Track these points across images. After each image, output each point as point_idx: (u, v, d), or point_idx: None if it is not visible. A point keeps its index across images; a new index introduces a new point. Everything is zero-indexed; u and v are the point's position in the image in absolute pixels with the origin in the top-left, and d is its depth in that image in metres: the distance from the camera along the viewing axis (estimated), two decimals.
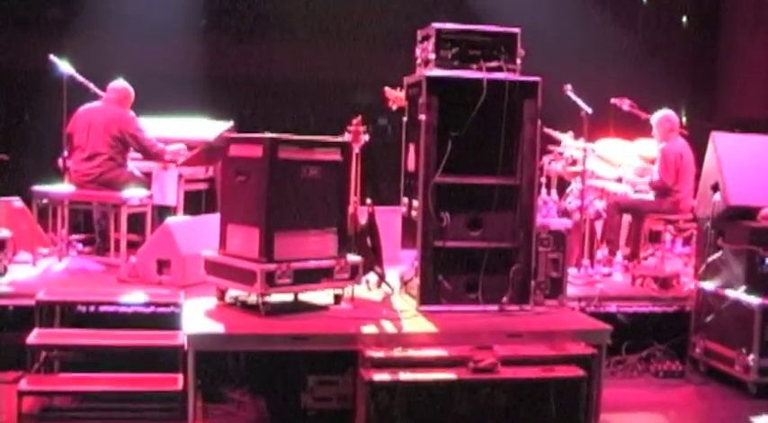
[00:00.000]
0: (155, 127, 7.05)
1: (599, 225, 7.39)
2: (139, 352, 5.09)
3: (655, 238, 7.87)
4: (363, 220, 5.66)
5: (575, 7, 10.06)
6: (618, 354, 6.06)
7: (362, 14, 10.00)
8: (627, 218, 7.47)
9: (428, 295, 5.29)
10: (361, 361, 4.53)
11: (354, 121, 5.72)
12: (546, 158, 7.20)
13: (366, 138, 5.74)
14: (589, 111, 6.65)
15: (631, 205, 7.35)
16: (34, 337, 5.05)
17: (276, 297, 5.07)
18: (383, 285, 5.74)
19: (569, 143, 7.22)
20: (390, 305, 5.44)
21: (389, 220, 5.93)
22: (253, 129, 5.92)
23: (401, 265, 5.75)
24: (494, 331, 4.94)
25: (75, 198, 6.65)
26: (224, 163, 5.47)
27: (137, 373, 5.03)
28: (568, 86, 6.72)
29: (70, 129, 6.74)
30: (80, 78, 6.86)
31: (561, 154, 7.26)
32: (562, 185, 7.50)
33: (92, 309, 5.40)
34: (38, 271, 6.37)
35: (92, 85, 6.92)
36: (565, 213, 6.99)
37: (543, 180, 7.02)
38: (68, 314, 5.38)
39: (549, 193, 7.10)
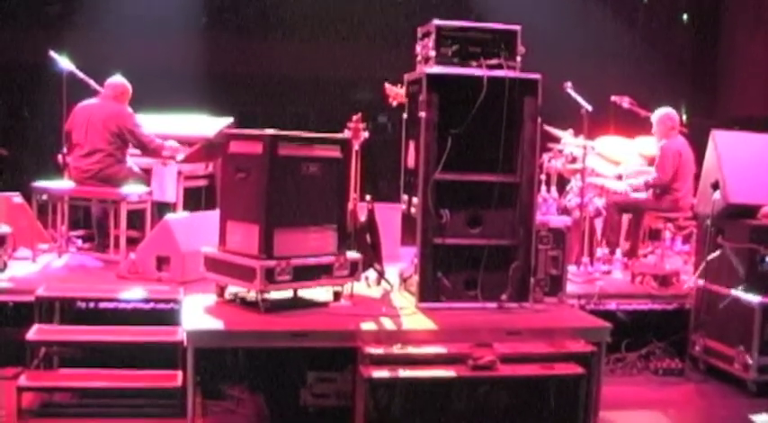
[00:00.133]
0: (155, 123, 7.04)
1: (599, 223, 7.38)
2: (139, 348, 5.10)
3: (654, 235, 7.87)
4: (363, 217, 5.65)
5: (575, 5, 10.08)
6: (617, 351, 6.06)
7: (363, 12, 10.01)
8: (627, 216, 7.46)
9: (428, 292, 5.29)
10: (361, 358, 4.52)
11: (354, 118, 5.70)
12: (546, 156, 7.19)
13: (366, 135, 5.73)
14: (589, 108, 6.64)
15: (631, 204, 7.34)
16: (34, 333, 5.05)
17: (276, 294, 5.06)
18: (383, 282, 5.73)
19: (569, 141, 7.22)
20: (390, 302, 5.43)
21: (389, 217, 5.94)
22: (253, 125, 5.92)
23: (401, 263, 5.76)
24: (493, 329, 4.93)
25: (74, 194, 6.64)
26: (224, 159, 5.46)
27: (136, 369, 5.04)
28: (568, 84, 6.71)
29: (68, 126, 6.74)
30: (80, 74, 6.85)
31: (561, 151, 7.25)
32: (562, 183, 7.50)
33: (91, 305, 5.41)
34: (37, 267, 6.37)
35: (91, 82, 6.91)
36: (564, 211, 7.00)
37: (543, 177, 7.03)
38: (68, 310, 5.39)
39: (548, 191, 7.11)
